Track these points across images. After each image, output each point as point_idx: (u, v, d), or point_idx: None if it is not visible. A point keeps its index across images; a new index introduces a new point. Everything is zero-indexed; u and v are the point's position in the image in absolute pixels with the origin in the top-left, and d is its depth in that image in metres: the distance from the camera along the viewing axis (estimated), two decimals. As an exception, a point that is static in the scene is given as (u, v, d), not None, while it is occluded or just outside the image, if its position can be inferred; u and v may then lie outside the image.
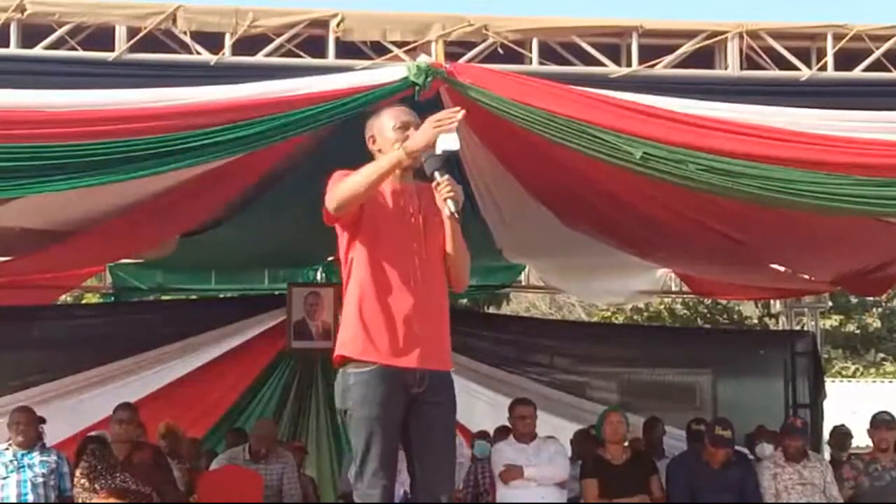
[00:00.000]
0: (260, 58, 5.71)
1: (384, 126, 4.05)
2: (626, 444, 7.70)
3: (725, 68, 5.92)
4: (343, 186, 3.83)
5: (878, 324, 24.55)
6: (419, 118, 4.03)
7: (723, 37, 5.90)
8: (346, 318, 4.00)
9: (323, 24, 5.75)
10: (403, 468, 4.09)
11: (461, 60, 5.66)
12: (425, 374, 3.93)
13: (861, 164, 5.25)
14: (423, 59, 5.48)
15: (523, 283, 12.66)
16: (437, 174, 3.84)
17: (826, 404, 11.61)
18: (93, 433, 8.38)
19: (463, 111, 3.86)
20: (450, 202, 3.83)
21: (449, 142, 3.80)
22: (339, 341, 3.99)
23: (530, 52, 5.84)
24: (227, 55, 5.65)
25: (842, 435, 10.14)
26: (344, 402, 3.96)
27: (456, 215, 3.85)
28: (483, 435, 9.06)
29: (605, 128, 5.32)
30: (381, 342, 3.89)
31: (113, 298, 11.78)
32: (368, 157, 4.04)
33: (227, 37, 5.65)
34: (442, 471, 3.99)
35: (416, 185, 3.97)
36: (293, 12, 5.79)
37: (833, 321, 21.78)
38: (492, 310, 16.65)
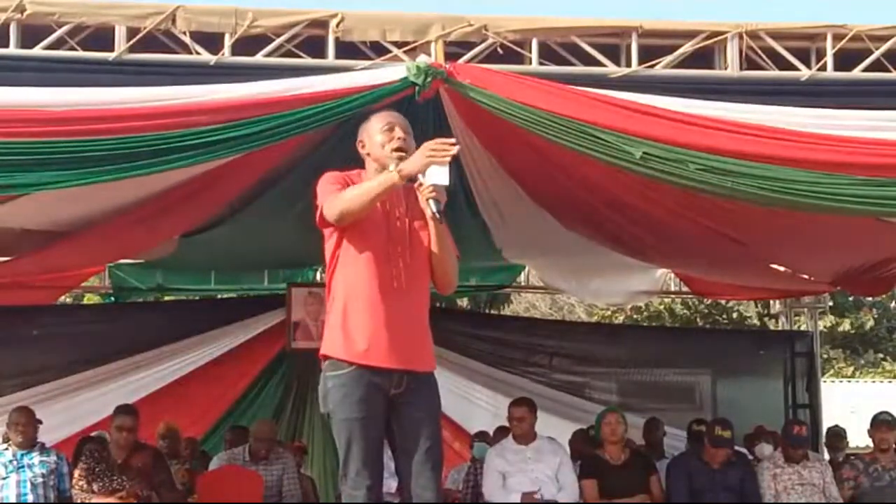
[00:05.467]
0: (260, 58, 5.70)
1: (372, 129, 4.09)
2: (625, 444, 7.69)
3: (725, 68, 5.91)
4: (341, 201, 3.88)
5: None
6: (406, 121, 4.10)
7: (722, 37, 5.89)
8: (329, 317, 4.05)
9: (323, 24, 5.75)
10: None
11: (461, 60, 5.64)
12: (404, 375, 3.96)
13: (861, 163, 5.25)
14: (422, 60, 5.47)
15: (523, 284, 12.66)
16: (419, 175, 3.86)
17: (825, 404, 11.60)
18: (91, 434, 8.39)
19: (458, 146, 3.87)
20: (431, 202, 3.84)
21: (439, 175, 3.78)
22: (323, 339, 4.05)
23: (530, 52, 5.83)
24: (226, 55, 5.64)
25: (835, 436, 10.06)
26: (326, 404, 4.01)
27: (437, 216, 3.85)
28: (483, 435, 9.05)
29: (605, 128, 5.32)
30: (361, 344, 3.93)
31: (113, 298, 11.77)
32: (359, 161, 4.06)
33: (227, 37, 5.64)
34: (425, 471, 3.97)
35: (403, 186, 3.97)
36: (293, 12, 5.79)
37: (828, 321, 21.76)
38: (491, 310, 16.62)
